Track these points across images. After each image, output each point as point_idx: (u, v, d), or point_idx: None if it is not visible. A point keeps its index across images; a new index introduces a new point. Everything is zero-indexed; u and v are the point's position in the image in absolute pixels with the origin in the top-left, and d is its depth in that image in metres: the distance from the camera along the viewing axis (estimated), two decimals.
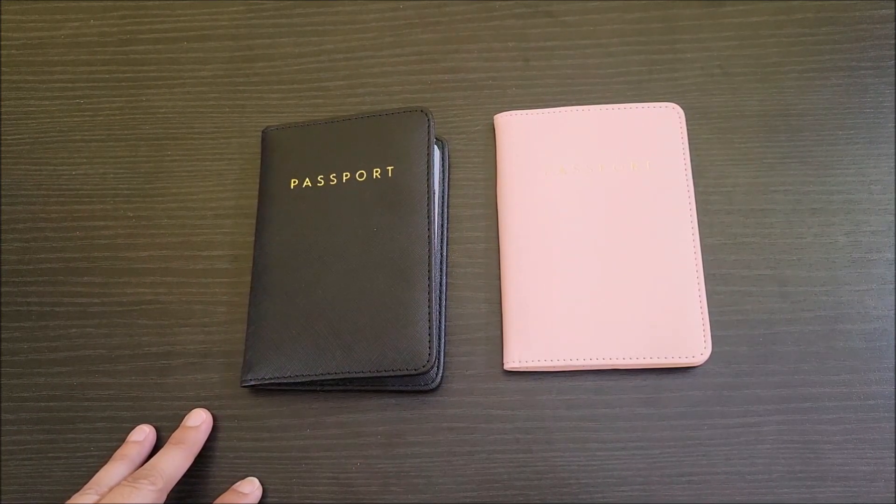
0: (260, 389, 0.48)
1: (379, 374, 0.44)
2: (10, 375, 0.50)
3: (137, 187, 0.53)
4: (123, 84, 0.56)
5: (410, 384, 0.46)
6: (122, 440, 0.46)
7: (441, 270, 0.49)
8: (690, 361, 0.45)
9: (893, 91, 0.51)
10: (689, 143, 0.51)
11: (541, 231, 0.48)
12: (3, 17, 0.59)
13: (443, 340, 0.47)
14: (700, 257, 0.47)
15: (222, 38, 0.57)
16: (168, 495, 0.42)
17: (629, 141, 0.50)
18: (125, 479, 0.42)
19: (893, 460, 0.44)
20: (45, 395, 0.49)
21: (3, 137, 0.55)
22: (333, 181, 0.49)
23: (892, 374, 0.45)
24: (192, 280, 0.51)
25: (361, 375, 0.44)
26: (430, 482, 0.45)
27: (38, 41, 0.58)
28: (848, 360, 0.46)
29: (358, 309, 0.46)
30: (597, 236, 0.48)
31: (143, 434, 0.46)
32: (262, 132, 0.52)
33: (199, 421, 0.46)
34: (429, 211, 0.47)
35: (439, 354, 0.46)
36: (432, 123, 0.49)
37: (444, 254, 0.49)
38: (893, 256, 0.48)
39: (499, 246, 0.50)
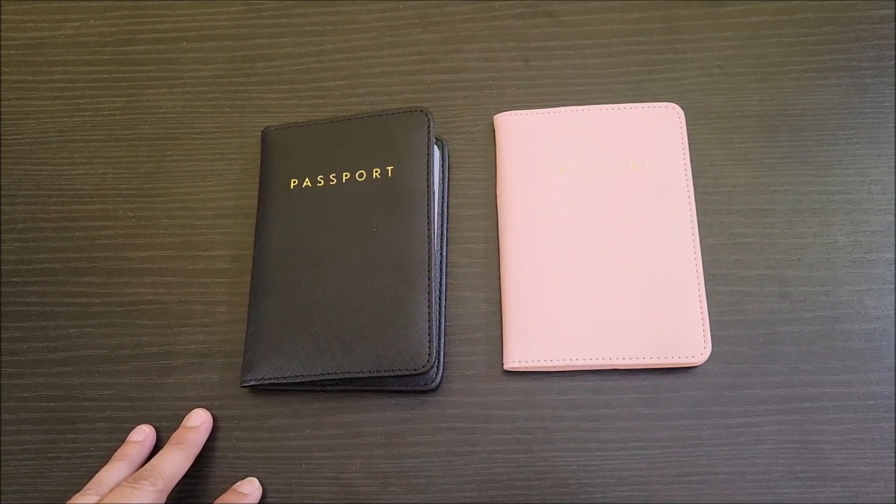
0: (260, 389, 0.48)
1: (379, 374, 0.44)
2: (10, 375, 0.50)
3: (137, 187, 0.53)
4: (123, 84, 0.56)
5: (410, 384, 0.46)
6: (122, 440, 0.46)
7: (441, 270, 0.49)
8: (690, 361, 0.45)
9: (893, 91, 0.51)
10: (689, 143, 0.51)
11: (541, 231, 0.48)
12: (3, 17, 0.59)
13: (443, 340, 0.47)
14: (700, 257, 0.47)
15: (222, 38, 0.57)
16: (168, 495, 0.42)
17: (629, 141, 0.50)
18: (126, 479, 0.42)
19: (893, 460, 0.44)
20: (45, 395, 0.49)
21: (3, 137, 0.55)
22: (333, 181, 0.49)
23: (892, 374, 0.45)
24: (192, 280, 0.51)
25: (361, 375, 0.44)
26: (430, 482, 0.45)
27: (38, 41, 0.58)
28: (848, 360, 0.46)
29: (358, 309, 0.46)
30: (597, 236, 0.48)
31: (143, 434, 0.46)
32: (262, 132, 0.52)
33: (199, 421, 0.46)
34: (429, 211, 0.47)
35: (439, 354, 0.46)
36: (432, 123, 0.49)
37: (444, 254, 0.49)
38: (893, 256, 0.48)
39: (499, 246, 0.50)
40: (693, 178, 0.49)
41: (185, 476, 0.44)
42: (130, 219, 0.52)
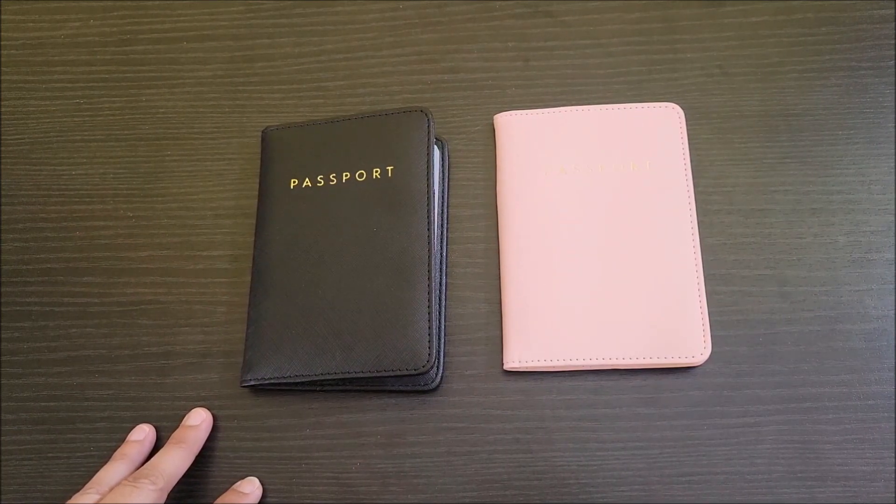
0: (260, 389, 0.48)
1: (379, 374, 0.44)
2: (10, 375, 0.50)
3: (137, 187, 0.53)
4: (123, 84, 0.56)
5: (410, 384, 0.46)
6: (122, 440, 0.46)
7: (441, 270, 0.49)
8: (690, 361, 0.45)
9: (893, 91, 0.51)
10: (689, 143, 0.51)
11: (541, 231, 0.48)
12: (3, 17, 0.59)
13: (443, 340, 0.47)
14: (700, 257, 0.47)
15: (222, 38, 0.57)
16: (168, 495, 0.42)
17: (629, 141, 0.50)
18: (126, 478, 0.42)
19: (893, 460, 0.44)
20: (45, 395, 0.49)
21: (3, 137, 0.55)
22: (333, 181, 0.49)
23: (892, 374, 0.45)
24: (192, 280, 0.51)
25: (361, 375, 0.44)
26: (430, 482, 0.45)
27: (38, 41, 0.58)
28: (848, 360, 0.46)
29: (358, 309, 0.46)
30: (597, 236, 0.48)
31: (143, 433, 0.46)
32: (262, 132, 0.52)
33: (199, 420, 0.46)
34: (429, 211, 0.47)
35: (439, 354, 0.46)
36: (432, 123, 0.49)
37: (444, 254, 0.49)
38: (893, 256, 0.48)
39: (499, 246, 0.50)
40: (693, 178, 0.49)
41: (185, 476, 0.44)
42: (130, 219, 0.52)
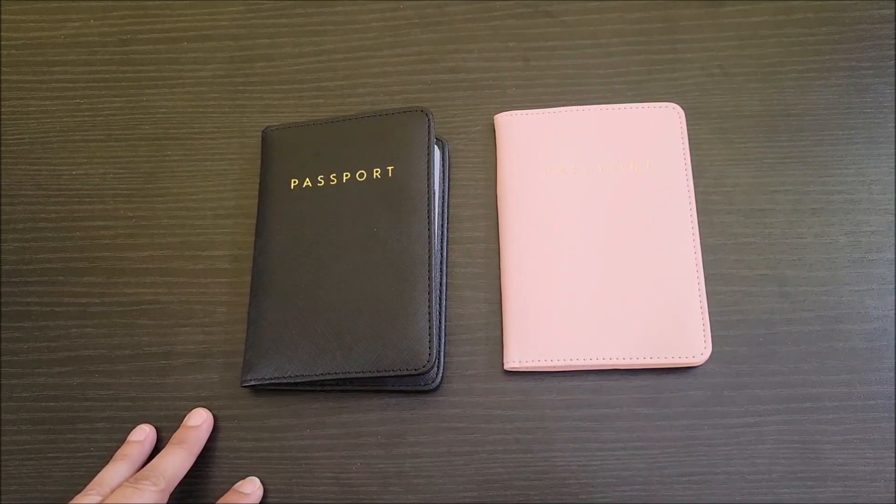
0: (260, 389, 0.48)
1: (379, 374, 0.44)
2: (10, 375, 0.50)
3: (137, 187, 0.53)
4: (123, 84, 0.56)
5: (410, 384, 0.46)
6: (122, 440, 0.46)
7: (441, 270, 0.49)
8: (690, 361, 0.45)
9: (893, 91, 0.51)
10: (689, 143, 0.51)
11: (541, 231, 0.48)
12: (3, 17, 0.59)
13: (443, 340, 0.47)
14: (700, 257, 0.47)
15: (222, 38, 0.57)
16: (170, 495, 0.42)
17: (629, 141, 0.50)
18: (127, 480, 0.42)
19: (893, 460, 0.44)
20: (45, 395, 0.49)
21: (3, 137, 0.55)
22: (333, 181, 0.49)
23: (892, 374, 0.45)
24: (192, 280, 0.50)
25: (361, 375, 0.44)
26: (430, 482, 0.45)
27: (38, 41, 0.58)
28: (848, 360, 0.46)
29: (358, 309, 0.46)
30: (597, 236, 0.48)
31: (144, 434, 0.46)
32: (262, 132, 0.52)
33: (199, 420, 0.46)
34: (429, 211, 0.47)
35: (439, 354, 0.46)
36: (432, 123, 0.49)
37: (444, 254, 0.49)
38: (893, 256, 0.48)
39: (499, 246, 0.50)
40: (693, 178, 0.49)
41: (186, 476, 0.44)
42: (130, 219, 0.52)
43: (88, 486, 0.42)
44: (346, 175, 0.49)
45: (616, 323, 0.46)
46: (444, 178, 0.51)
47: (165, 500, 0.42)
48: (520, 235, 0.49)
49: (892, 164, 0.50)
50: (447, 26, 0.56)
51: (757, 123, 0.51)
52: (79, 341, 0.50)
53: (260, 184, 0.51)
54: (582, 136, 0.51)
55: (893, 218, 0.49)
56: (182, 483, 0.44)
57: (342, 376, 0.45)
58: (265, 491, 0.46)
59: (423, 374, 0.44)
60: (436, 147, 0.51)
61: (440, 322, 0.47)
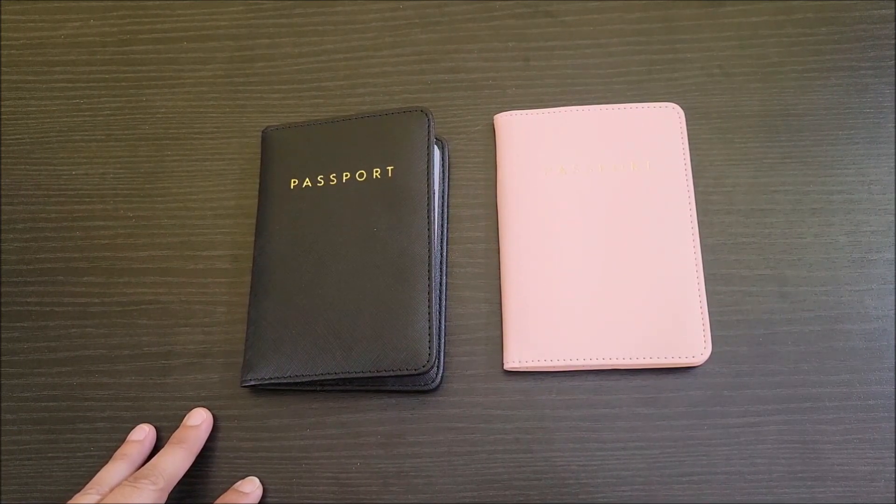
0: (260, 389, 0.48)
1: (379, 374, 0.44)
2: (10, 375, 0.50)
3: (137, 187, 0.53)
4: (123, 84, 0.56)
5: (410, 384, 0.46)
6: (122, 440, 0.46)
7: (441, 270, 0.49)
8: (690, 361, 0.45)
9: (893, 91, 0.51)
10: (689, 143, 0.51)
11: (541, 231, 0.48)
12: (3, 17, 0.59)
13: (443, 340, 0.47)
14: (700, 257, 0.47)
15: (222, 38, 0.57)
16: (169, 495, 0.42)
17: (629, 141, 0.50)
18: (126, 479, 0.42)
19: (893, 460, 0.44)
20: (45, 395, 0.49)
21: (3, 137, 0.55)
22: (333, 181, 0.49)
23: (892, 374, 0.45)
24: (192, 280, 0.51)
25: (361, 375, 0.44)
26: (430, 482, 0.45)
27: (38, 41, 0.58)
28: (848, 360, 0.46)
29: (358, 309, 0.46)
30: (597, 236, 0.48)
31: (143, 433, 0.46)
32: (262, 132, 0.52)
33: (199, 420, 0.46)
34: (429, 211, 0.47)
35: (439, 354, 0.46)
36: (432, 123, 0.49)
37: (444, 254, 0.49)
38: (893, 256, 0.48)
39: (499, 246, 0.50)
40: (693, 178, 0.49)
41: (186, 476, 0.44)
42: (130, 219, 0.52)
43: (88, 486, 0.42)
44: (346, 175, 0.49)
45: (616, 323, 0.46)
46: (443, 178, 0.51)
47: (164, 499, 0.42)
48: (520, 235, 0.49)
49: (892, 164, 0.50)
50: (447, 26, 0.56)
51: (757, 123, 0.51)
52: (79, 341, 0.50)
53: (260, 184, 0.51)
54: (582, 136, 0.51)
55: (893, 218, 0.49)
56: (181, 483, 0.44)
57: (342, 376, 0.45)
58: (265, 491, 0.46)
59: (422, 374, 0.44)
60: (436, 147, 0.51)
61: (440, 322, 0.47)
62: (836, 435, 0.44)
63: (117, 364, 0.49)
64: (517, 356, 0.46)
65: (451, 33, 0.55)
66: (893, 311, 0.47)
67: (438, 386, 0.47)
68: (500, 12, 0.56)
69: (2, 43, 0.58)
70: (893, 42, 0.53)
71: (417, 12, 0.56)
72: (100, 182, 0.54)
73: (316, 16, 0.57)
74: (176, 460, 0.43)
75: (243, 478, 0.46)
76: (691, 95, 0.52)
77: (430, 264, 0.46)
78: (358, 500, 0.45)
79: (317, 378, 0.45)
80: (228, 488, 0.45)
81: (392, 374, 0.44)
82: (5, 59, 0.58)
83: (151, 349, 0.49)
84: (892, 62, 0.52)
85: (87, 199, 0.53)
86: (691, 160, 0.50)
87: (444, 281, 0.49)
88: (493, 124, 0.53)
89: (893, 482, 0.44)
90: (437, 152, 0.51)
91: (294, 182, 0.50)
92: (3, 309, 0.51)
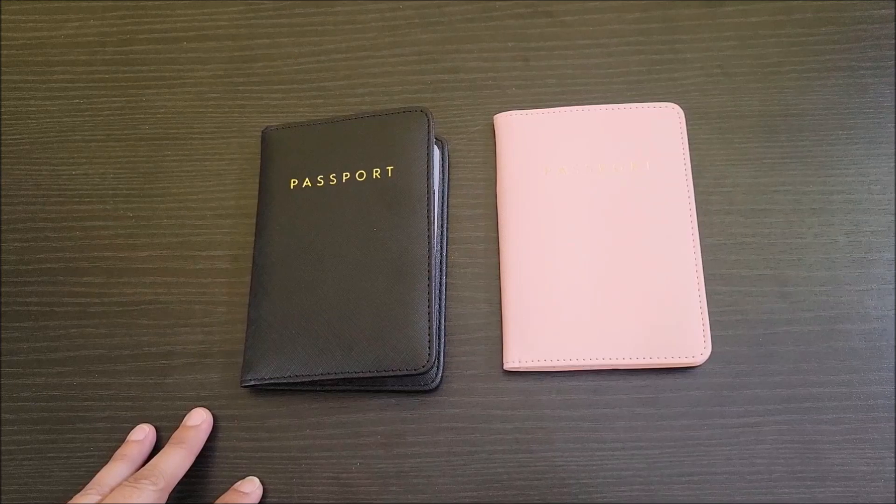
0: (260, 389, 0.48)
1: (379, 374, 0.44)
2: (10, 375, 0.50)
3: (137, 187, 0.53)
4: (123, 84, 0.56)
5: (410, 384, 0.46)
6: (122, 440, 0.46)
7: (441, 270, 0.49)
8: (690, 361, 0.45)
9: (893, 91, 0.51)
10: (689, 143, 0.51)
11: (541, 231, 0.48)
12: (3, 17, 0.59)
13: (443, 340, 0.47)
14: (700, 257, 0.47)
15: (222, 38, 0.57)
16: (169, 495, 0.42)
17: (629, 141, 0.50)
18: (127, 479, 0.42)
19: (893, 460, 0.44)
20: (45, 395, 0.49)
21: (3, 137, 0.55)
22: (333, 181, 0.49)
23: (892, 374, 0.45)
24: (192, 280, 0.51)
25: (361, 375, 0.44)
26: (430, 482, 0.45)
27: (38, 41, 0.58)
28: (848, 360, 0.46)
29: (358, 309, 0.46)
30: (597, 236, 0.48)
31: (143, 433, 0.46)
32: (262, 132, 0.52)
33: (199, 420, 0.46)
34: (429, 211, 0.47)
35: (439, 354, 0.46)
36: (432, 123, 0.49)
37: (444, 254, 0.49)
38: (893, 256, 0.48)
39: (499, 246, 0.50)
40: (693, 178, 0.49)
41: (186, 476, 0.44)
42: (130, 219, 0.52)
43: (87, 486, 0.42)
44: (346, 175, 0.49)
45: (616, 323, 0.46)
46: (443, 178, 0.51)
47: (165, 499, 0.42)
48: (520, 235, 0.49)
49: (892, 164, 0.50)
50: (447, 26, 0.56)
51: (757, 123, 0.51)
52: (79, 341, 0.50)
53: (260, 184, 0.51)
54: (582, 136, 0.51)
55: (893, 218, 0.49)
56: (181, 483, 0.44)
57: (342, 376, 0.45)
58: (265, 491, 0.46)
59: (422, 374, 0.44)
60: (435, 147, 0.51)
61: (440, 322, 0.47)
62: (836, 435, 0.44)
63: (117, 364, 0.49)
64: (517, 356, 0.46)
65: (450, 33, 0.55)
66: (893, 311, 0.47)
67: (438, 386, 0.47)
68: (500, 12, 0.56)
69: (2, 43, 0.58)
70: (893, 42, 0.53)
71: (417, 12, 0.56)
72: (100, 182, 0.54)
73: (316, 16, 0.57)
74: (176, 460, 0.43)
75: (243, 478, 0.46)
76: (691, 95, 0.52)
77: (429, 264, 0.46)
78: (358, 500, 0.45)
79: (316, 378, 0.45)
80: (228, 488, 0.45)
81: (392, 374, 0.44)
82: (5, 59, 0.58)
83: (151, 349, 0.49)
84: (892, 62, 0.52)
85: (87, 199, 0.53)
86: (691, 160, 0.50)
87: (443, 281, 0.49)
88: (492, 124, 0.53)
89: (893, 482, 0.44)
90: (436, 152, 0.51)
91: (294, 182, 0.50)
92: (3, 309, 0.51)
